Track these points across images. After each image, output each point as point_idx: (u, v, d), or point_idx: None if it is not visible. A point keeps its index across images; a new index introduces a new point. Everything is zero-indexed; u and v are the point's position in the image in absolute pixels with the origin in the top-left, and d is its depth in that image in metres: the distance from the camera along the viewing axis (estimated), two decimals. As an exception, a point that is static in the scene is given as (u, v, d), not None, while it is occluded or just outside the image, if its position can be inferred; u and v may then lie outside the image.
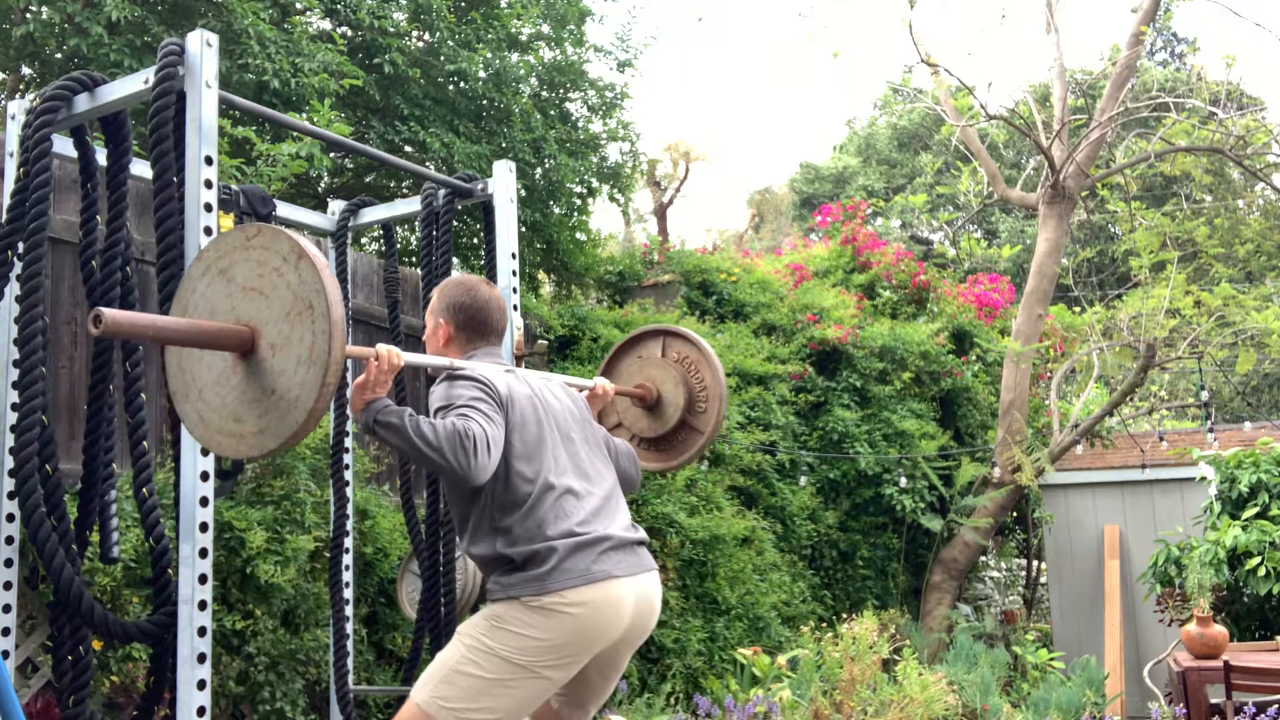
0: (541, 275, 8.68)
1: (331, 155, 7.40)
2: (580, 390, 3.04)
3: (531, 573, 2.43)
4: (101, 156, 3.13)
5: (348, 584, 4.03)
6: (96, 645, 3.46)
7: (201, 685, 2.58)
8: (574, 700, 2.72)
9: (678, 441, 3.46)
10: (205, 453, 2.65)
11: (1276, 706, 4.57)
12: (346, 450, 4.10)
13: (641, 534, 2.66)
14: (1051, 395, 9.45)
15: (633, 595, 2.53)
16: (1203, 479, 6.87)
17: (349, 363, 4.19)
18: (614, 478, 2.77)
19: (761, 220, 25.61)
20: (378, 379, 2.39)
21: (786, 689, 5.55)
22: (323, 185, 8.14)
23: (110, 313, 2.03)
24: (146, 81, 2.82)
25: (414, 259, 7.70)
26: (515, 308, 3.73)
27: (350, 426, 4.14)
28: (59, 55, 6.31)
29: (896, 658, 6.23)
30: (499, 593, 2.46)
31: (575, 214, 8.34)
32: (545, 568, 2.42)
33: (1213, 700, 5.25)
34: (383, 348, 2.41)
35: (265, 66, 5.98)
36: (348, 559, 4.04)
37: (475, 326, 2.76)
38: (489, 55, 7.47)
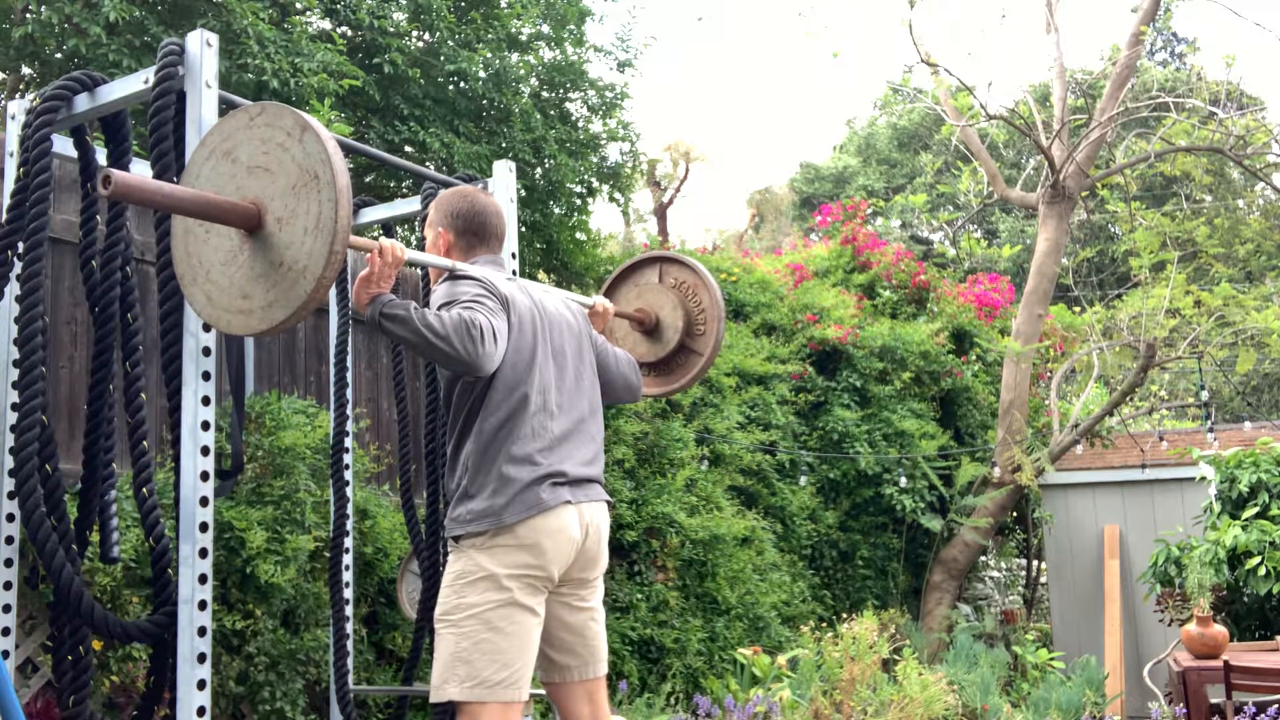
0: (541, 275, 8.67)
1: (331, 155, 7.38)
2: (581, 307, 3.06)
3: (484, 507, 2.50)
4: (101, 156, 3.13)
5: (348, 584, 4.03)
6: (96, 645, 3.46)
7: (201, 685, 2.58)
8: (557, 647, 2.71)
9: (677, 365, 3.47)
10: (205, 452, 2.65)
11: (1276, 706, 4.57)
12: (346, 450, 4.10)
13: (597, 471, 2.73)
14: (1051, 395, 9.46)
15: (581, 522, 2.61)
16: (1203, 479, 6.87)
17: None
18: (597, 397, 2.82)
19: (761, 220, 25.60)
20: (381, 273, 2.41)
21: (786, 689, 5.55)
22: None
23: (120, 173, 2.04)
24: (146, 81, 2.82)
25: (414, 259, 7.69)
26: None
27: (350, 426, 4.14)
28: (58, 55, 6.31)
29: (896, 658, 6.23)
30: (456, 529, 2.54)
31: (575, 214, 8.34)
32: (498, 502, 2.50)
33: (1213, 700, 5.25)
34: (385, 240, 2.43)
35: (265, 66, 5.98)
36: (348, 559, 4.04)
37: (475, 231, 2.77)
38: (489, 55, 7.47)
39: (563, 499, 2.56)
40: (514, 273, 3.71)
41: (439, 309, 2.47)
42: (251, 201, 2.24)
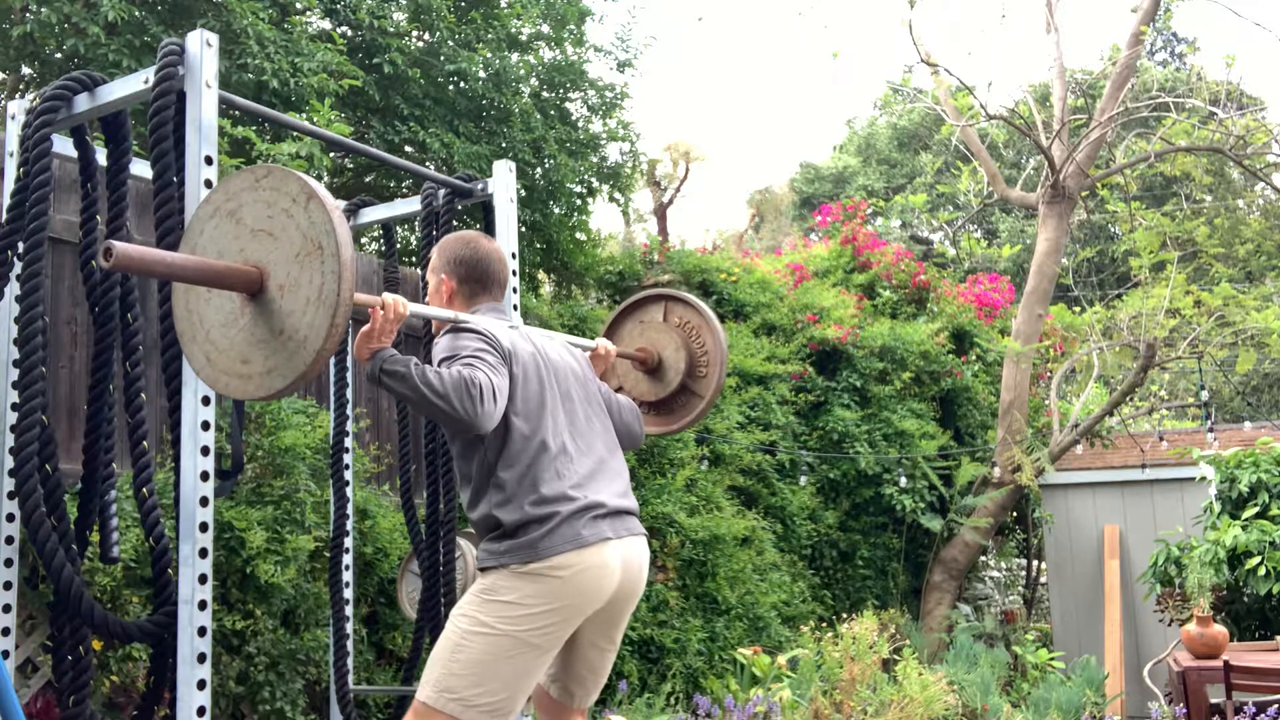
0: (541, 275, 8.67)
1: (331, 155, 7.41)
2: (582, 350, 3.05)
3: (522, 540, 2.45)
4: (101, 156, 3.13)
5: (348, 584, 4.03)
6: (96, 645, 3.46)
7: (201, 685, 2.58)
8: (572, 677, 2.72)
9: (678, 405, 3.45)
10: (205, 452, 2.65)
11: (1276, 706, 4.57)
12: (346, 450, 4.10)
13: (632, 503, 2.68)
14: (1051, 395, 9.45)
15: (621, 557, 2.56)
16: (1203, 479, 6.87)
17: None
18: (613, 439, 2.79)
19: (761, 220, 25.60)
20: (383, 328, 2.40)
21: (786, 689, 5.55)
22: (323, 185, 8.12)
23: (121, 245, 2.04)
24: (146, 81, 2.82)
25: (414, 259, 7.70)
26: (515, 308, 3.73)
27: (350, 426, 4.14)
28: (58, 55, 6.30)
29: (896, 657, 6.23)
30: (489, 560, 2.49)
31: (575, 214, 8.34)
32: (535, 535, 2.44)
33: (1213, 700, 5.25)
34: (389, 296, 2.41)
35: (264, 66, 5.97)
36: (348, 559, 4.05)
37: (478, 278, 2.75)
38: (489, 55, 7.47)
39: (603, 535, 2.51)
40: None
41: (440, 363, 2.46)
42: (254, 265, 2.23)
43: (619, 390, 3.50)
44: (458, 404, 2.30)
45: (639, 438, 3.00)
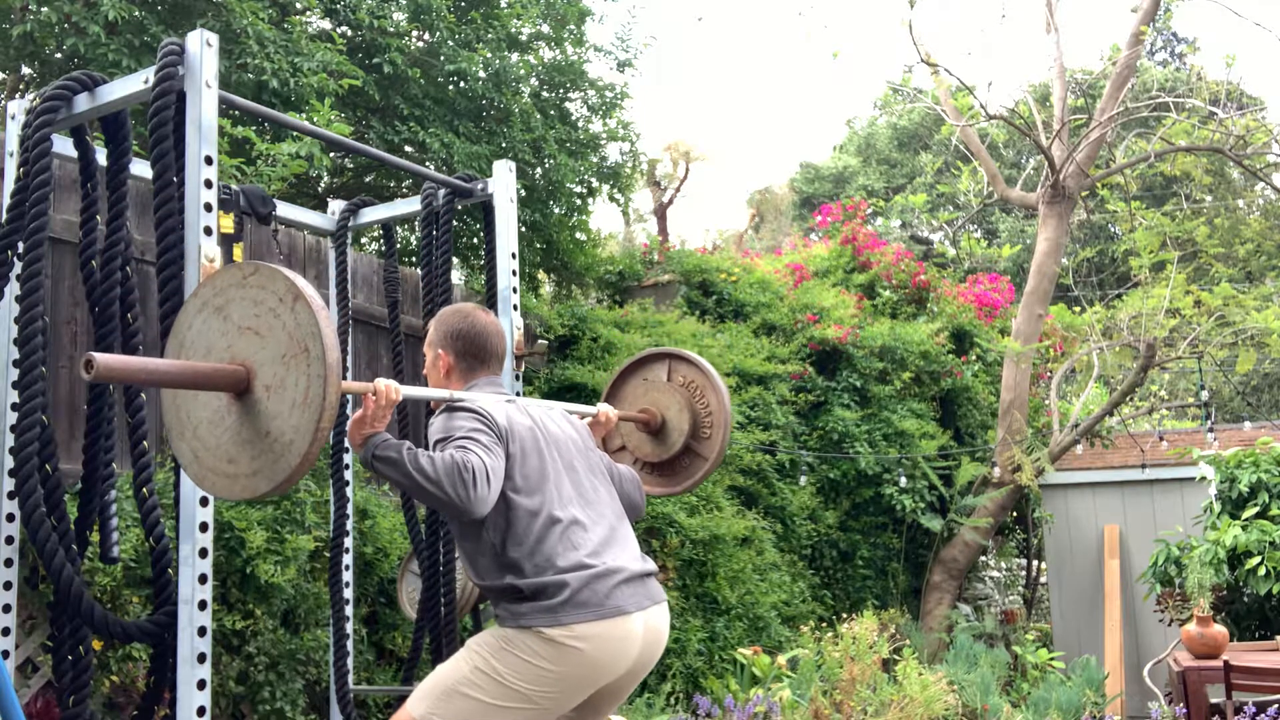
0: (541, 275, 8.67)
1: (331, 155, 7.40)
2: (582, 418, 3.01)
3: (542, 604, 2.41)
4: (101, 156, 3.13)
5: (348, 584, 4.03)
6: (96, 645, 3.46)
7: (201, 685, 2.58)
8: (578, 713, 2.70)
9: (682, 467, 3.42)
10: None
11: (1276, 706, 4.57)
12: (346, 450, 4.10)
13: (651, 565, 2.65)
14: (1051, 395, 9.46)
15: (641, 629, 2.52)
16: (1203, 479, 6.87)
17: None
18: (619, 506, 2.75)
19: (761, 220, 25.60)
20: (376, 414, 2.37)
21: (786, 689, 5.55)
22: (323, 185, 8.14)
23: (102, 358, 2.02)
24: (146, 81, 2.82)
25: (414, 259, 7.70)
26: (515, 307, 3.73)
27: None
28: (58, 55, 6.31)
29: (896, 657, 6.23)
30: (509, 621, 2.44)
31: (575, 214, 8.34)
32: (557, 600, 2.40)
33: (1213, 700, 5.26)
34: (381, 382, 2.38)
35: (264, 66, 5.97)
36: (348, 559, 4.05)
37: (475, 353, 2.73)
38: (489, 55, 7.47)
39: (624, 608, 2.47)
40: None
41: (435, 445, 2.44)
42: (241, 363, 2.22)
43: (621, 449, 3.47)
44: (450, 489, 2.27)
45: (640, 508, 2.95)
